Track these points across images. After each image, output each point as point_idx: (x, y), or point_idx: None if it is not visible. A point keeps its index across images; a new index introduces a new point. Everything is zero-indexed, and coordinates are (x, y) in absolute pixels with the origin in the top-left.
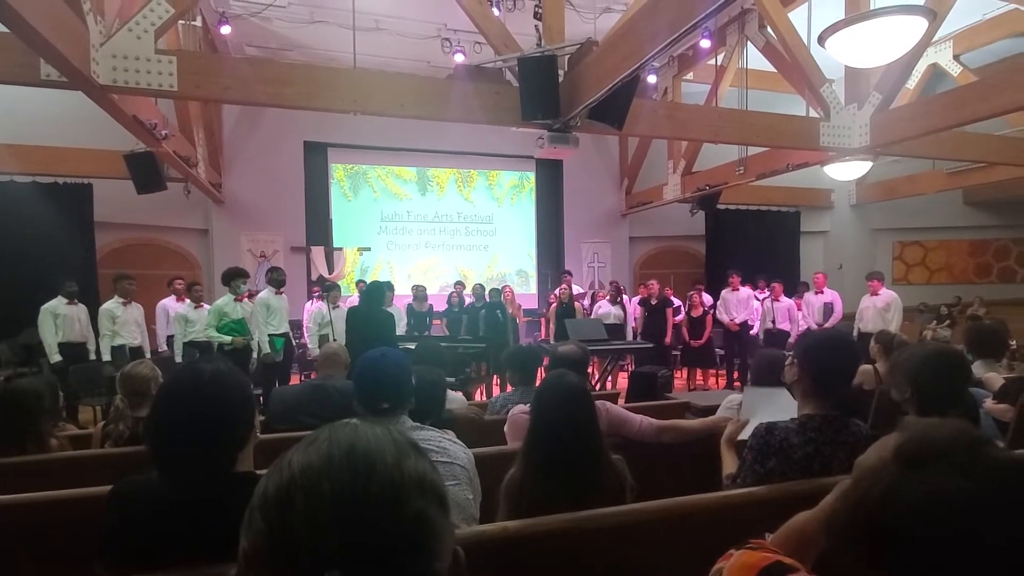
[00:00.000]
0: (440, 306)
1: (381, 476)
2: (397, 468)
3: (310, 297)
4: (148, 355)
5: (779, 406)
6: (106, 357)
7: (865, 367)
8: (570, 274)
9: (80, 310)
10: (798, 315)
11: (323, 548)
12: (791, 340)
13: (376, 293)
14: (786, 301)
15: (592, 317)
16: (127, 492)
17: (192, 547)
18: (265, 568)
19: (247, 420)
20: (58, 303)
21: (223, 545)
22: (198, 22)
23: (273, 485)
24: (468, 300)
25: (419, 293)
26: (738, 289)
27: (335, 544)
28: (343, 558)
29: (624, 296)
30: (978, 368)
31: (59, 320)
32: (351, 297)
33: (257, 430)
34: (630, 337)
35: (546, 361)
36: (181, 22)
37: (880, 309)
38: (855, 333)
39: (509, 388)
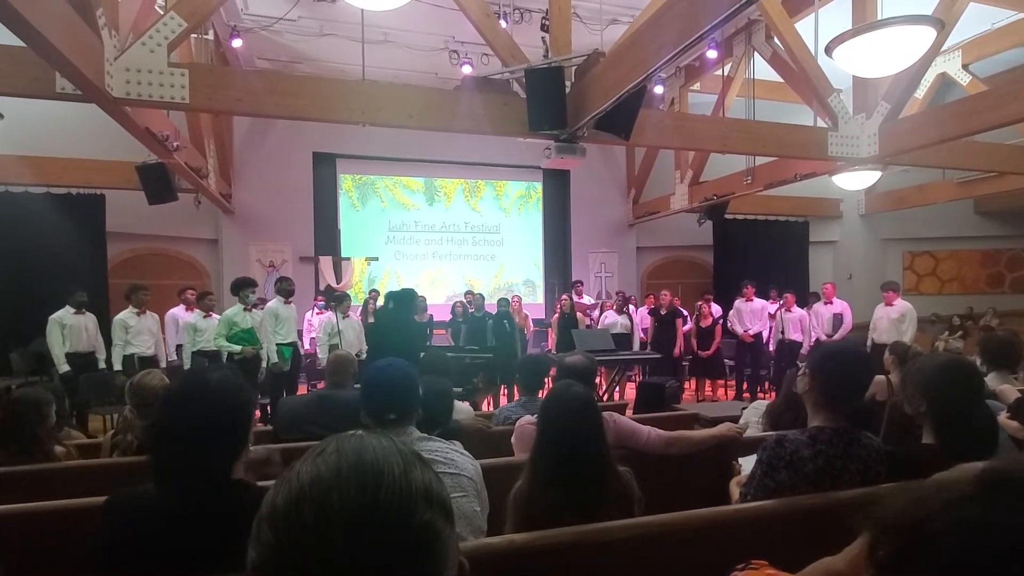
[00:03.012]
0: (445, 317)
1: (389, 487)
2: (404, 479)
3: (312, 306)
4: (163, 364)
5: None
6: (117, 367)
7: (879, 378)
8: (581, 283)
9: (88, 319)
10: (809, 325)
11: (333, 559)
12: (803, 351)
13: (408, 300)
14: (798, 312)
15: (599, 327)
16: (123, 503)
17: (189, 558)
18: None
19: (248, 428)
20: (65, 313)
21: (220, 555)
22: (210, 36)
23: (283, 497)
24: (469, 310)
25: (419, 304)
26: (752, 300)
27: (345, 555)
28: (353, 569)
29: (631, 306)
30: (992, 380)
31: (66, 330)
32: (360, 307)
33: (250, 443)
34: (637, 347)
35: (553, 372)
36: (193, 36)
37: (895, 320)
38: (868, 344)
39: (516, 396)
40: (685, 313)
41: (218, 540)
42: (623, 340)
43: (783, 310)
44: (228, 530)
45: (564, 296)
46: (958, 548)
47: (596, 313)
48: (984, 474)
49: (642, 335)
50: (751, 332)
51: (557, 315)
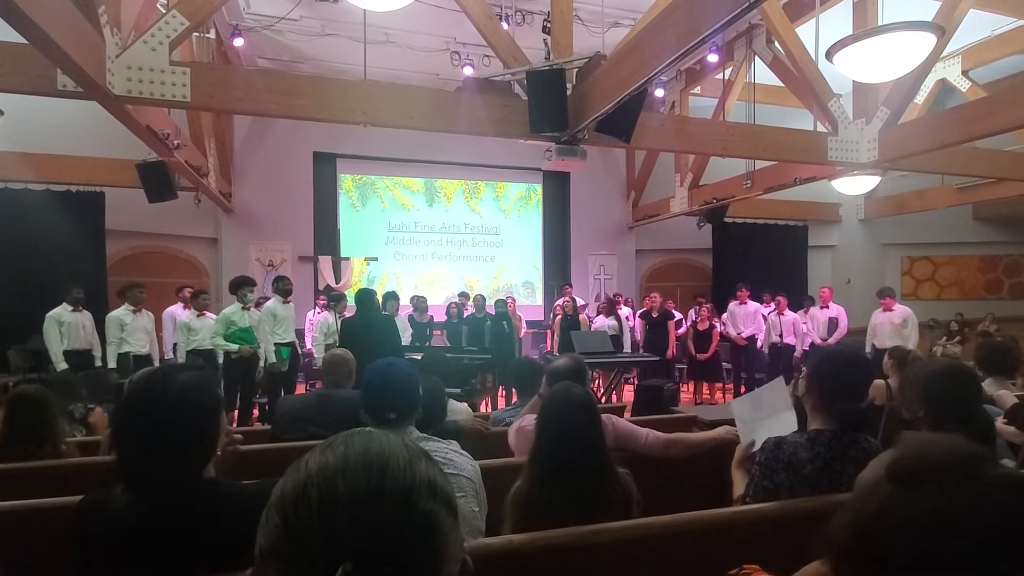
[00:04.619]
0: (440, 318)
1: (394, 477)
2: (409, 470)
3: (314, 306)
4: (157, 363)
5: (775, 417)
6: (112, 364)
7: (878, 382)
8: (570, 286)
9: (85, 317)
10: (803, 329)
11: (336, 545)
12: (796, 355)
13: (367, 299)
14: (791, 315)
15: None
16: (93, 506)
17: (163, 558)
18: (281, 565)
19: (215, 428)
20: (62, 310)
21: (195, 554)
22: (212, 34)
23: (291, 484)
24: (469, 311)
25: (419, 304)
26: (746, 303)
27: (348, 541)
28: (356, 555)
29: (622, 308)
30: (989, 385)
31: (64, 328)
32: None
33: (218, 448)
34: (627, 349)
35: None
36: (195, 34)
37: (897, 325)
38: (868, 349)
39: (515, 399)
40: (678, 316)
41: (191, 539)
42: (612, 342)
43: (776, 313)
44: (201, 529)
45: (566, 298)
46: (907, 549)
47: (591, 313)
48: (895, 470)
49: (638, 338)
50: (744, 335)
51: (560, 316)
